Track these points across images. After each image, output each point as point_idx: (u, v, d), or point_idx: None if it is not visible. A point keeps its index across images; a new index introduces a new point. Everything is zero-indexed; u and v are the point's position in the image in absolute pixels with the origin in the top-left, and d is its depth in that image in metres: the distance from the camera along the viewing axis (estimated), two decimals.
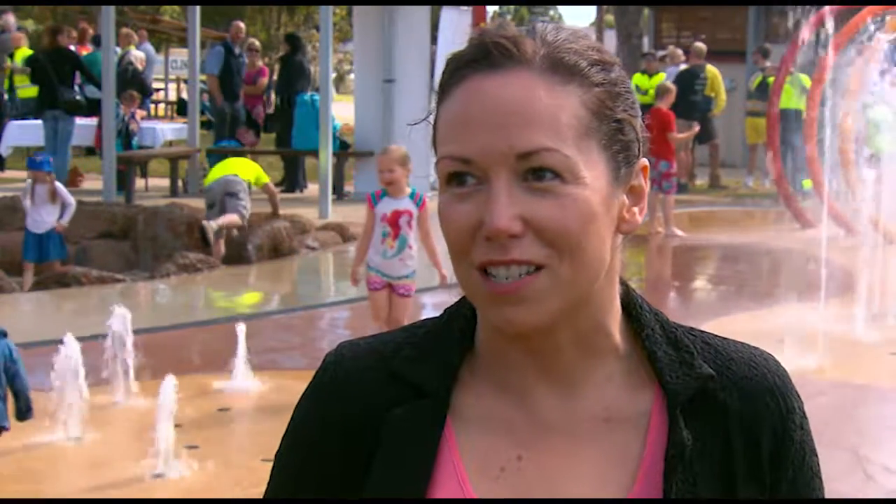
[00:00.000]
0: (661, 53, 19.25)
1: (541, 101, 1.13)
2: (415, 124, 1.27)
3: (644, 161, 1.22)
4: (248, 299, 10.20)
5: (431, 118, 1.21)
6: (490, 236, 1.12)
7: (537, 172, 1.12)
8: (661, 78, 16.15)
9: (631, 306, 1.25)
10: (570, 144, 1.13)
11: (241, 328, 6.67)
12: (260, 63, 17.18)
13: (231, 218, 10.88)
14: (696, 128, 14.69)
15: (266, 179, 11.96)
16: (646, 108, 13.91)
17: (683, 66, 17.53)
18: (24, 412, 4.88)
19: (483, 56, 1.15)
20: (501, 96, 1.13)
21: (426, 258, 6.68)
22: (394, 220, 6.44)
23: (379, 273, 6.54)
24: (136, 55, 17.12)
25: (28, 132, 15.38)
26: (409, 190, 6.48)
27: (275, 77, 16.69)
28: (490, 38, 1.16)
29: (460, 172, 1.14)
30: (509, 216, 1.11)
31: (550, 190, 1.12)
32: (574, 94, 1.14)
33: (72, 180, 15.26)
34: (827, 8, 12.44)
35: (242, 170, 11.49)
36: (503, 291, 1.13)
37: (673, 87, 13.52)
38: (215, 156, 16.26)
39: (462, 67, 1.16)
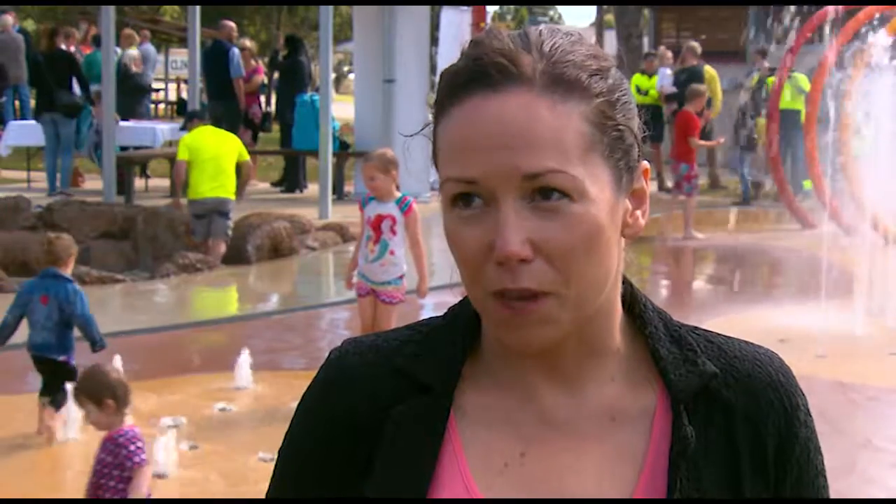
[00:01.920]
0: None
1: (544, 121, 1.12)
2: (411, 136, 1.26)
3: (645, 164, 1.22)
4: (248, 299, 10.20)
5: (428, 131, 1.20)
6: (501, 261, 1.12)
7: (544, 191, 1.12)
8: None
9: (634, 305, 1.25)
10: (575, 163, 1.12)
11: (242, 330, 6.67)
12: (254, 62, 17.13)
13: (221, 248, 10.71)
14: (721, 140, 14.47)
15: (246, 157, 11.20)
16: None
17: (673, 68, 17.50)
18: (93, 345, 5.83)
19: (481, 76, 1.14)
20: (503, 118, 1.12)
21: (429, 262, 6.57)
22: (376, 225, 6.32)
23: (364, 278, 6.44)
24: (130, 55, 16.94)
25: (28, 132, 15.38)
26: (397, 195, 6.35)
27: (275, 77, 16.62)
28: (487, 55, 1.15)
29: (466, 193, 1.14)
30: (519, 241, 1.11)
31: (558, 210, 1.12)
32: (575, 109, 1.14)
33: (72, 180, 15.29)
34: (827, 8, 12.45)
35: (231, 151, 10.82)
36: (515, 312, 1.13)
37: (704, 90, 13.22)
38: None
39: (460, 88, 1.15)
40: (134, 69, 16.50)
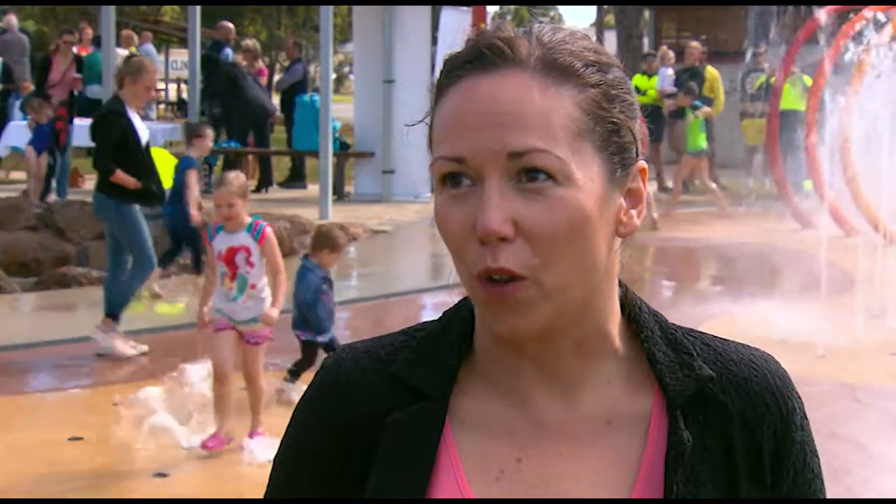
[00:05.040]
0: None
1: (534, 101, 1.13)
2: (412, 125, 1.27)
3: (642, 163, 1.21)
4: None
5: (428, 120, 1.21)
6: (482, 238, 1.12)
7: (530, 173, 1.12)
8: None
9: (630, 308, 1.25)
10: (562, 146, 1.13)
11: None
12: (258, 63, 17.13)
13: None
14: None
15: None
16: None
17: (676, 68, 17.49)
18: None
19: (478, 57, 1.16)
20: (495, 96, 1.13)
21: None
22: (229, 259, 5.65)
23: (225, 316, 5.70)
24: None
25: (27, 133, 15.35)
26: (247, 221, 5.69)
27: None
28: (486, 39, 1.17)
29: (454, 173, 1.15)
30: (501, 218, 1.11)
31: (542, 191, 1.12)
32: (568, 95, 1.14)
33: (72, 181, 15.28)
34: (827, 8, 12.44)
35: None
36: (497, 294, 1.13)
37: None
38: (214, 157, 16.30)
39: (457, 68, 1.17)
40: None
